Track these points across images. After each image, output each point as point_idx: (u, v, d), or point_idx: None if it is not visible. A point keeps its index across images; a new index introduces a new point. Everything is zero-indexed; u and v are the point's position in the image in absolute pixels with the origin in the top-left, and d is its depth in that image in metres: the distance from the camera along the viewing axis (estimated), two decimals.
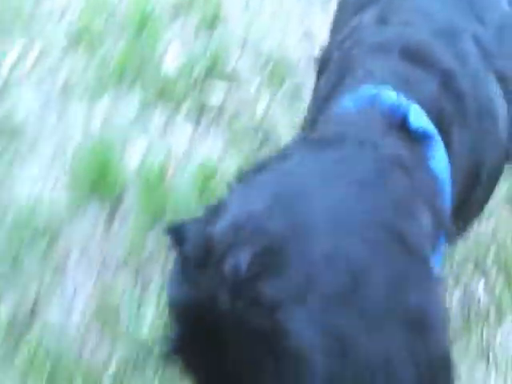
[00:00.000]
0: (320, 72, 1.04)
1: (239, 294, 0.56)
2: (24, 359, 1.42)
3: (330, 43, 1.05)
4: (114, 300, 1.48)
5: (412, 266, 0.61)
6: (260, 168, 0.70)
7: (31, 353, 1.42)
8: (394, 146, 0.71)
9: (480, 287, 1.50)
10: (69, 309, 1.49)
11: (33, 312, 1.49)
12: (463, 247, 1.50)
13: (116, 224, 1.59)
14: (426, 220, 0.68)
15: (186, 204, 1.55)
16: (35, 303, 1.51)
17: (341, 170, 0.66)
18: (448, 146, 0.79)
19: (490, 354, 1.43)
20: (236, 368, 0.58)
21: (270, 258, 0.57)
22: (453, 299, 1.47)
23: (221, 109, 1.75)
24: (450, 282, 1.49)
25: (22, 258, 1.55)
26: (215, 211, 0.66)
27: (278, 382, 0.56)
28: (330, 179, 0.65)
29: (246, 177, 0.70)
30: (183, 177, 1.62)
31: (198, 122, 1.73)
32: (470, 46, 0.88)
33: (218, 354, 0.58)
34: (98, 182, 1.62)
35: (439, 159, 0.77)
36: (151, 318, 1.44)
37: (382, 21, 0.91)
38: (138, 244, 1.54)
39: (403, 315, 0.59)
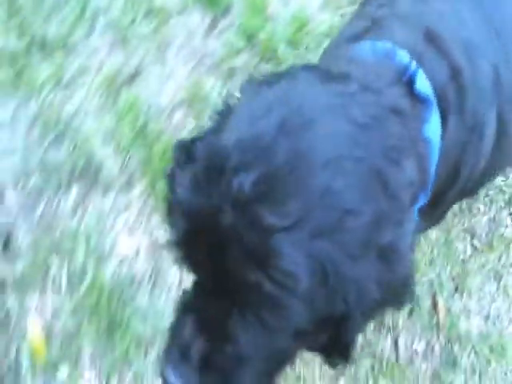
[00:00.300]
0: (356, 15, 1.07)
1: (241, 213, 0.60)
2: (121, 108, 1.63)
3: None
4: (202, 91, 1.68)
5: (390, 208, 0.66)
6: (267, 82, 0.72)
7: (128, 103, 1.63)
8: (396, 96, 0.73)
9: (508, 221, 1.60)
10: (163, 85, 1.70)
11: (134, 74, 1.69)
12: (500, 180, 1.62)
13: (216, 31, 1.77)
14: (410, 171, 0.70)
15: (278, 36, 1.75)
16: (137, 68, 1.70)
17: (344, 107, 0.67)
18: (443, 126, 0.81)
19: (503, 278, 1.53)
20: (227, 274, 0.64)
21: (272, 185, 0.61)
22: (482, 221, 1.59)
23: None
24: (481, 206, 1.61)
25: (134, 29, 1.72)
26: (222, 119, 0.70)
27: (264, 294, 0.62)
28: (333, 114, 0.66)
29: (252, 89, 0.72)
30: (280, 16, 1.80)
31: None
32: (487, 68, 0.88)
33: (213, 257, 0.64)
34: None
35: (433, 127, 0.79)
36: None
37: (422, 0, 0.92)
38: (231, 52, 1.73)
39: (377, 248, 0.65)
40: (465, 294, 1.52)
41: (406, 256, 0.69)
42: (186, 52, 1.72)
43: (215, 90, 1.67)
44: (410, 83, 0.76)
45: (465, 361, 1.46)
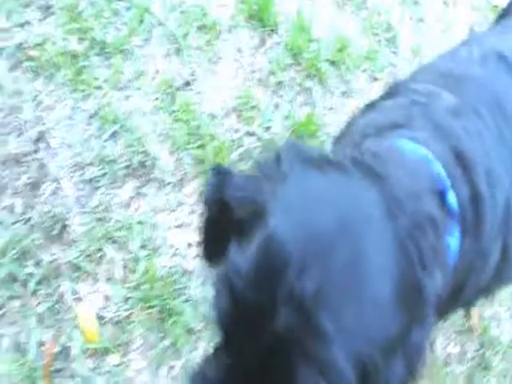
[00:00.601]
0: (384, 96, 1.06)
1: (300, 316, 0.61)
2: (176, 110, 1.65)
3: (407, 85, 1.04)
4: (252, 101, 1.71)
5: (421, 312, 0.69)
6: (315, 164, 0.72)
7: (183, 105, 1.66)
8: (431, 205, 0.74)
9: None
10: (215, 94, 1.73)
11: (187, 82, 1.72)
12: None
13: (264, 49, 1.82)
14: (438, 280, 0.72)
15: (322, 56, 1.80)
16: (190, 77, 1.73)
17: (393, 215, 0.68)
18: (460, 244, 0.82)
19: None
20: (269, 367, 0.64)
21: (331, 291, 0.62)
22: None
23: (363, 1, 2.00)
24: None
25: (187, 41, 1.76)
26: (267, 185, 0.70)
27: None
28: (384, 222, 0.67)
29: (299, 168, 0.71)
30: (323, 38, 1.86)
31: (342, 6, 1.98)
32: (501, 199, 0.88)
33: (259, 348, 0.63)
34: (258, 12, 1.84)
35: (455, 243, 0.80)
36: (281, 120, 1.71)
37: (455, 113, 0.91)
38: (278, 68, 1.77)
39: (405, 348, 0.68)
40: (496, 302, 1.54)
41: (422, 360, 0.71)
42: (235, 66, 1.76)
43: (264, 100, 1.69)
44: (441, 195, 0.78)
45: (496, 364, 1.47)
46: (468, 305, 1.13)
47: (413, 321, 0.67)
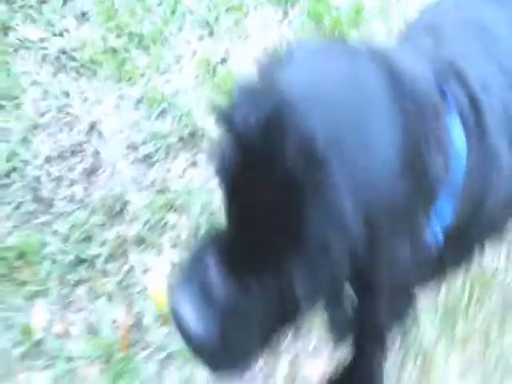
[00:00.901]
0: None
1: (309, 160, 0.56)
2: (219, 81, 1.61)
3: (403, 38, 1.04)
4: None
5: (427, 194, 0.64)
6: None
7: (225, 76, 1.61)
8: (434, 97, 0.71)
9: None
10: (249, 65, 1.68)
11: (223, 59, 1.69)
12: None
13: (288, 21, 1.80)
14: (440, 166, 0.66)
15: (341, 19, 1.78)
16: (225, 54, 1.70)
17: (396, 93, 0.63)
18: (468, 146, 0.76)
19: None
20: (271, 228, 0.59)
21: (341, 140, 0.58)
22: None
23: None
24: None
25: (218, 24, 1.74)
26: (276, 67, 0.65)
27: (320, 234, 0.58)
28: (393, 98, 0.63)
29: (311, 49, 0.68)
30: (341, 4, 1.83)
31: None
32: (498, 106, 0.82)
33: (263, 192, 0.58)
34: None
35: (458, 135, 0.75)
36: None
37: (436, 42, 0.88)
38: (303, 34, 1.75)
39: (412, 229, 0.64)
40: None
41: (423, 252, 0.66)
42: (265, 40, 1.72)
43: None
44: (442, 93, 0.74)
45: None
46: (497, 229, 0.99)
47: (419, 199, 0.62)
